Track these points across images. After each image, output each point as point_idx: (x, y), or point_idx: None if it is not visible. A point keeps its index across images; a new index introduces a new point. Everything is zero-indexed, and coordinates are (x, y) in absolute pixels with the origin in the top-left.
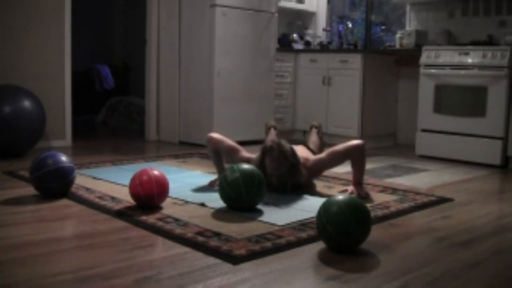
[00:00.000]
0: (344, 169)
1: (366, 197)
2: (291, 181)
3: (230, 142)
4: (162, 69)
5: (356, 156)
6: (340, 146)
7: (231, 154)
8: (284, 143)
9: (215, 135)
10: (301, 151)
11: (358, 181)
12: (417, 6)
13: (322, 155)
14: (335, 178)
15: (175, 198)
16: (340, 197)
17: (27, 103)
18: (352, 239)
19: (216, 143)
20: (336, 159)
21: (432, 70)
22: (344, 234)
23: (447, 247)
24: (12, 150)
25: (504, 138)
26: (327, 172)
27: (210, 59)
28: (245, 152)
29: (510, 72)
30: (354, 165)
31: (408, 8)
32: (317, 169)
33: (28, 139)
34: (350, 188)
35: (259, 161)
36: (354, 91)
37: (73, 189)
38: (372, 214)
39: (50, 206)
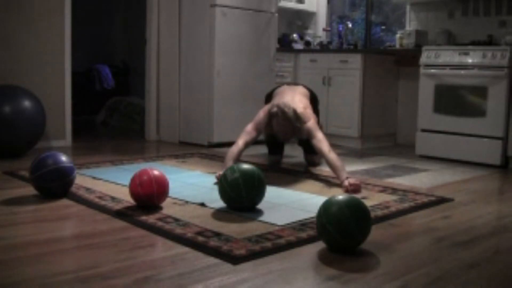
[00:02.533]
0: None
1: (359, 189)
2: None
3: (245, 133)
4: (162, 69)
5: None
6: (321, 138)
7: (255, 134)
8: (287, 109)
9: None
10: (299, 101)
11: (343, 178)
12: (417, 6)
13: (311, 125)
14: (335, 178)
15: (175, 198)
16: (340, 197)
17: (27, 103)
18: (352, 239)
19: (248, 140)
20: (308, 133)
21: (432, 70)
22: (344, 234)
23: (447, 247)
24: (12, 150)
25: (504, 138)
26: (327, 172)
27: (210, 59)
28: (253, 126)
29: (510, 72)
30: (329, 166)
31: (408, 8)
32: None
33: (28, 139)
34: (344, 185)
35: (267, 122)
36: (354, 91)
37: (73, 189)
38: (372, 214)
39: (50, 206)
